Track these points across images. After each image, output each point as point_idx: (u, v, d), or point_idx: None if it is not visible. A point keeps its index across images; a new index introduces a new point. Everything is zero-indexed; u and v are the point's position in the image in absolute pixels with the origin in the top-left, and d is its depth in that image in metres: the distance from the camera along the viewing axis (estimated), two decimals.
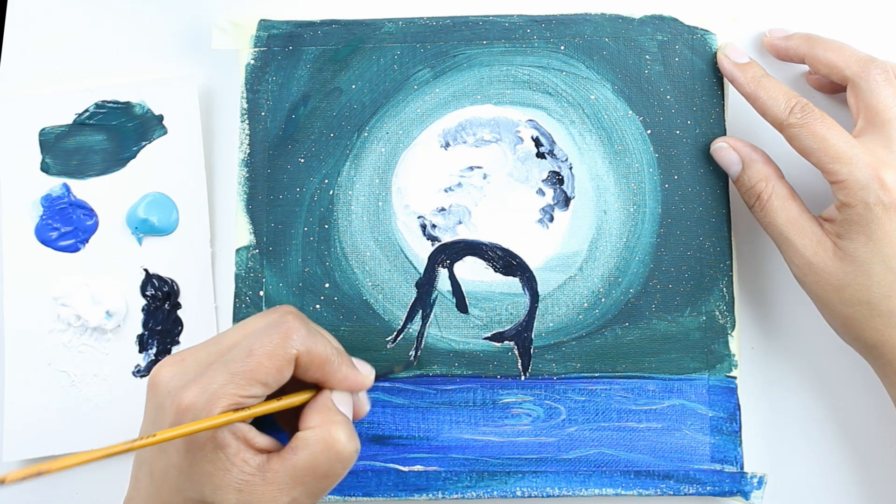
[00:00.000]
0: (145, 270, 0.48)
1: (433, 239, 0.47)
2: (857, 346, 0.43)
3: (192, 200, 0.48)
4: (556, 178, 0.47)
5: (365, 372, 0.39)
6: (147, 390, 0.37)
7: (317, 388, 0.38)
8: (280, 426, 0.40)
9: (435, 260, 0.47)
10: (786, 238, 0.43)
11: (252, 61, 0.48)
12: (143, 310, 0.48)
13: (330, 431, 0.36)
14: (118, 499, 0.39)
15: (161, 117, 0.49)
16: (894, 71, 0.43)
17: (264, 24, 0.48)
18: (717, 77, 0.47)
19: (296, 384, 0.38)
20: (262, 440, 0.36)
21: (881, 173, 0.40)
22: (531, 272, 0.47)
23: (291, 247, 0.47)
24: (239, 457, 0.35)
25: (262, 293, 0.46)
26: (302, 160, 0.47)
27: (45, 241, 0.48)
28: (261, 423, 0.38)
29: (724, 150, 0.45)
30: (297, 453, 0.36)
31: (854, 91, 0.43)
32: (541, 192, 0.47)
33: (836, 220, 0.42)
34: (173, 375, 0.36)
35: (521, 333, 0.46)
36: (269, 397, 0.37)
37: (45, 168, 0.48)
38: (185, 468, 0.35)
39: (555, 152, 0.47)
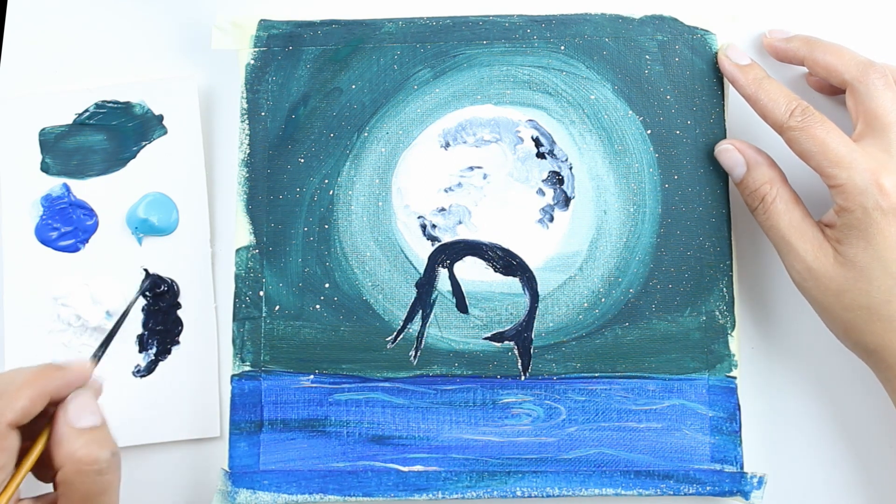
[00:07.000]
0: (145, 270, 0.48)
1: (433, 239, 0.47)
2: (858, 350, 0.43)
3: (192, 200, 0.48)
4: (556, 178, 0.47)
5: (79, 368, 0.38)
6: None
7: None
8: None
9: (435, 260, 0.47)
10: (788, 242, 0.42)
11: (252, 61, 0.48)
12: (143, 310, 0.48)
13: (77, 461, 0.34)
14: None
15: (161, 117, 0.49)
16: (893, 75, 0.42)
17: (264, 24, 0.48)
18: (717, 77, 0.47)
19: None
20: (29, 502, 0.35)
21: (880, 178, 0.40)
22: (531, 272, 0.47)
23: (291, 247, 0.47)
24: None
25: (262, 293, 0.46)
26: (302, 160, 0.47)
27: (45, 241, 0.48)
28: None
29: (730, 152, 0.45)
30: (63, 499, 0.34)
31: (853, 95, 0.43)
32: (541, 192, 0.47)
33: (836, 225, 0.41)
34: None
35: (521, 333, 0.46)
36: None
37: (45, 168, 0.48)
38: None
39: (555, 152, 0.47)
